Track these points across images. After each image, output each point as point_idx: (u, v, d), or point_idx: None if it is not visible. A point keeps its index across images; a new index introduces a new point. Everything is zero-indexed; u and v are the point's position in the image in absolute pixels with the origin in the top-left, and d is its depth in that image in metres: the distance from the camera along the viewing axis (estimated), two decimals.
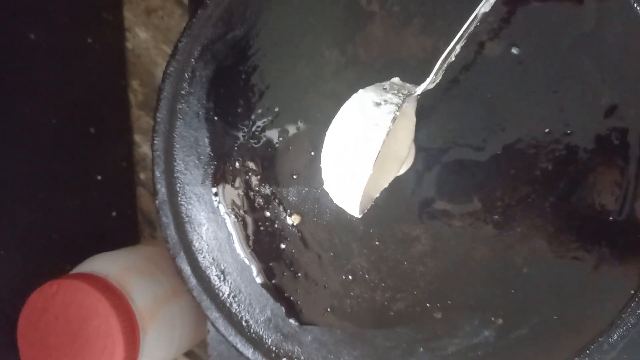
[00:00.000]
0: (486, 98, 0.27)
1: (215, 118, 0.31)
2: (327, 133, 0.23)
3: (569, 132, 0.26)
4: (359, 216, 0.24)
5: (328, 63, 0.29)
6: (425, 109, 0.27)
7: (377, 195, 0.26)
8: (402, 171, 0.27)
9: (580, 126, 0.26)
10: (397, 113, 0.22)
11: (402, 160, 0.26)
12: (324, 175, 0.23)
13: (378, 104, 0.22)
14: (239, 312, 0.30)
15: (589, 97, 0.25)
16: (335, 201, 0.24)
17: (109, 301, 0.31)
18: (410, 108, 0.25)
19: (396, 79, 0.25)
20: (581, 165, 0.26)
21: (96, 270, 0.34)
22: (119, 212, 0.45)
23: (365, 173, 0.22)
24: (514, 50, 0.26)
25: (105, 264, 0.35)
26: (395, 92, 0.23)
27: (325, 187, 0.24)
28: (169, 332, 0.36)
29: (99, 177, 0.42)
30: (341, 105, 0.29)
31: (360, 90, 0.23)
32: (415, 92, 0.24)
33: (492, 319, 0.27)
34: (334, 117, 0.28)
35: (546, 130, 0.26)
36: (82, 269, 0.35)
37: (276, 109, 0.30)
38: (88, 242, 0.41)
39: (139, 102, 0.47)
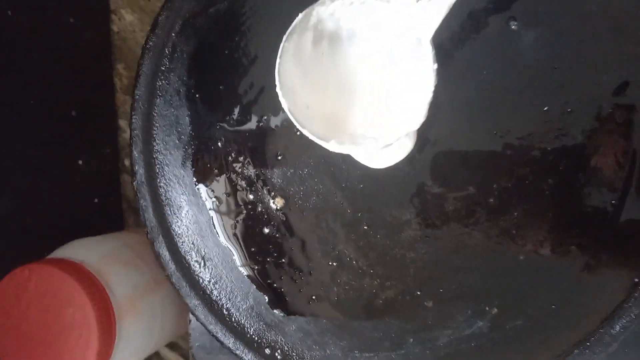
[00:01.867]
0: (481, 75, 0.25)
1: (197, 96, 0.29)
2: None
3: (569, 109, 0.24)
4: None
5: None
6: None
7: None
8: (403, 155, 0.26)
9: (581, 104, 0.24)
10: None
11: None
12: None
13: None
14: (220, 299, 0.29)
15: (592, 73, 0.24)
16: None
17: (85, 289, 0.30)
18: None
19: None
20: (581, 146, 0.24)
21: (72, 256, 0.32)
22: (101, 199, 0.43)
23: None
24: (513, 25, 0.25)
25: (83, 250, 0.33)
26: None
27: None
28: (149, 323, 0.34)
29: (80, 162, 0.41)
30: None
31: None
32: None
33: (487, 308, 0.26)
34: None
35: (545, 109, 0.25)
36: (57, 255, 0.33)
37: (261, 86, 0.28)
38: (67, 229, 0.40)
39: (124, 87, 0.46)
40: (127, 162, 0.46)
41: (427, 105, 0.22)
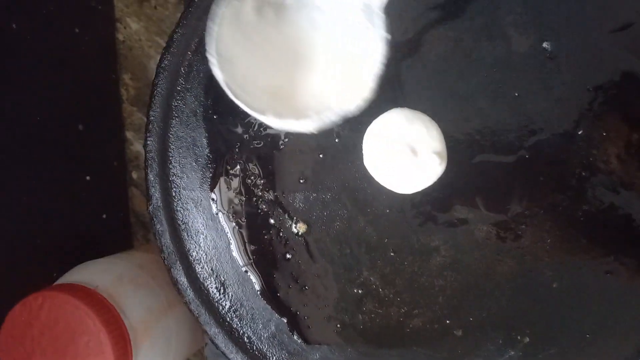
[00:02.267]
0: (513, 97, 0.25)
1: (215, 116, 0.28)
2: None
3: (604, 134, 0.24)
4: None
5: None
6: (448, 113, 0.25)
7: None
8: (432, 180, 0.25)
9: (618, 129, 0.24)
10: None
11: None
12: None
13: None
14: (241, 327, 0.28)
15: (631, 96, 0.23)
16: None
17: (99, 316, 0.29)
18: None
19: None
20: (617, 170, 0.24)
21: (85, 281, 0.31)
22: (109, 214, 0.42)
23: None
24: (546, 45, 0.24)
25: (95, 274, 0.32)
26: None
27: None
28: (164, 346, 0.33)
29: (88, 178, 0.40)
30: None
31: None
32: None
33: (518, 337, 0.25)
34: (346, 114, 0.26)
35: (579, 133, 0.24)
36: (69, 279, 0.32)
37: None
38: (76, 246, 0.39)
39: (130, 97, 0.45)
40: (135, 175, 0.45)
41: (375, 76, 0.21)
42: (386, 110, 0.25)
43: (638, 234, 0.24)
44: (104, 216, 0.41)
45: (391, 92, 0.26)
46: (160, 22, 0.43)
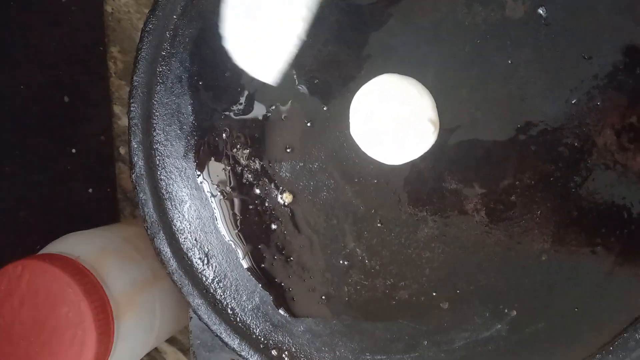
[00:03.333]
0: (507, 64, 0.24)
1: (200, 83, 0.27)
2: None
3: (598, 103, 0.23)
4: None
5: None
6: (440, 80, 0.24)
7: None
8: (422, 151, 0.24)
9: (613, 97, 0.23)
10: None
11: None
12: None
13: None
14: (224, 298, 0.28)
15: (629, 63, 0.23)
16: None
17: (80, 286, 0.28)
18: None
19: None
20: (612, 144, 0.23)
21: (67, 251, 0.30)
22: (96, 189, 0.41)
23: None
24: (541, 11, 0.23)
25: (78, 245, 0.31)
26: None
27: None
28: (148, 320, 0.33)
29: (74, 150, 0.39)
30: (342, 72, 0.26)
31: None
32: None
33: (505, 310, 0.25)
34: (334, 83, 0.25)
35: (573, 102, 0.23)
36: (51, 249, 0.31)
37: None
38: (61, 219, 0.38)
39: (118, 71, 0.44)
40: (122, 151, 0.44)
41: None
42: (375, 76, 0.24)
43: (629, 208, 0.23)
44: (90, 190, 0.41)
45: (381, 58, 0.25)
46: None
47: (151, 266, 0.33)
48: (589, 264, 0.24)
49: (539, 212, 0.24)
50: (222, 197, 0.28)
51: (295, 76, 0.26)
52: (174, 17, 0.27)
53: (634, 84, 0.23)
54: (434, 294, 0.25)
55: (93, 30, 0.42)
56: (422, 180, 0.25)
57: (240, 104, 0.27)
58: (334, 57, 0.25)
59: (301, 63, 0.26)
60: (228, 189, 0.27)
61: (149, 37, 0.27)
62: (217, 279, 0.28)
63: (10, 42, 0.34)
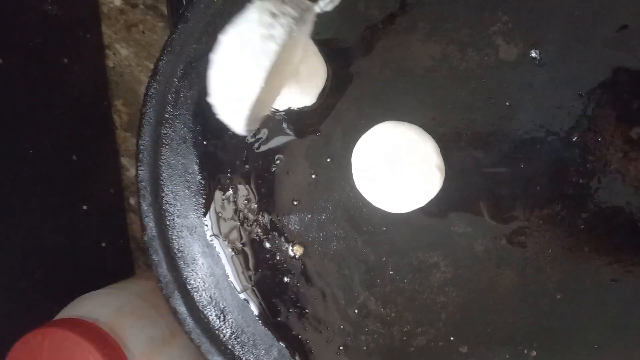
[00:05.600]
0: (505, 106, 0.24)
1: (204, 142, 0.28)
2: (222, 36, 0.21)
3: (600, 139, 0.23)
4: (244, 133, 0.22)
5: None
6: (440, 125, 0.25)
7: (265, 113, 0.23)
8: (427, 199, 0.24)
9: (612, 133, 0.23)
10: (295, 27, 0.20)
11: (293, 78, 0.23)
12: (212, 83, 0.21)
13: (275, 15, 0.20)
14: (243, 354, 0.28)
15: (622, 100, 0.23)
16: (219, 115, 0.21)
17: (99, 350, 0.28)
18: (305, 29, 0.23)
19: None
20: (616, 177, 0.23)
21: (85, 315, 0.31)
22: (109, 242, 0.42)
23: (256, 84, 0.20)
24: (534, 53, 0.24)
25: (95, 307, 0.32)
26: (294, 5, 0.21)
27: (211, 98, 0.21)
28: None
29: (85, 207, 0.40)
30: (343, 123, 0.26)
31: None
32: (313, 10, 0.21)
33: (525, 351, 0.24)
34: (336, 135, 0.26)
35: (574, 139, 0.23)
36: (69, 313, 0.32)
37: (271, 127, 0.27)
38: (77, 277, 0.38)
39: (124, 123, 0.44)
40: (132, 201, 0.44)
41: None
42: (376, 124, 0.25)
43: (638, 242, 0.23)
44: (103, 244, 0.41)
45: (380, 107, 0.25)
46: (150, 46, 0.43)
47: (168, 323, 0.33)
48: (606, 298, 0.24)
49: (549, 251, 0.24)
50: (233, 253, 0.28)
51: (293, 129, 0.26)
52: (175, 80, 0.28)
53: (629, 113, 0.23)
54: (452, 338, 0.25)
55: (96, 87, 0.43)
56: (431, 226, 0.25)
57: (244, 160, 0.27)
58: (333, 109, 0.26)
59: (301, 116, 0.26)
60: (239, 244, 0.28)
61: (151, 101, 0.28)
62: (234, 335, 0.28)
63: (16, 107, 0.35)
